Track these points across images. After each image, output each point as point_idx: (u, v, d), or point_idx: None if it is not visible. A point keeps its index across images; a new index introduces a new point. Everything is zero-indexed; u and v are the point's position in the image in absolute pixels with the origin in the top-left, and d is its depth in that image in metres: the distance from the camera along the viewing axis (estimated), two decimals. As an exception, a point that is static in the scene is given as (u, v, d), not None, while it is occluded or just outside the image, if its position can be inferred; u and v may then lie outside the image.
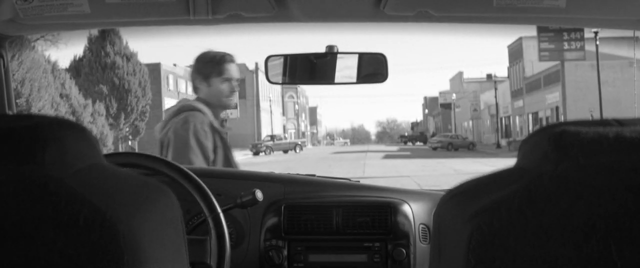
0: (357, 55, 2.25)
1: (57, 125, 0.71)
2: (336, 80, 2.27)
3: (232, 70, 2.84)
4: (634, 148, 0.67)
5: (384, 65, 2.25)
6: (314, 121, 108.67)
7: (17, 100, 20.81)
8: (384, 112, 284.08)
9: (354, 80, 2.27)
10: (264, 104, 64.02)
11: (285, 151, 49.69)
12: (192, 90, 2.90)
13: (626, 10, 1.61)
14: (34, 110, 22.24)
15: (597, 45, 27.86)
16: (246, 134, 59.13)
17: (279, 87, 69.34)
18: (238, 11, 1.61)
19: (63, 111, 25.51)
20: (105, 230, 0.65)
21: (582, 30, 30.68)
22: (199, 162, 2.65)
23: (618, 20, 1.68)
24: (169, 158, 2.70)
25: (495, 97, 50.51)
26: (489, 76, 56.78)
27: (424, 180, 16.18)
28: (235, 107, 2.92)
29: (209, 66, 2.81)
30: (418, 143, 73.37)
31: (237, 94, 2.87)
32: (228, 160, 2.77)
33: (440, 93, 73.84)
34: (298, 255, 2.07)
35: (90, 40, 33.26)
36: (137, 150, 27.16)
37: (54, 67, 26.46)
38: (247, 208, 1.97)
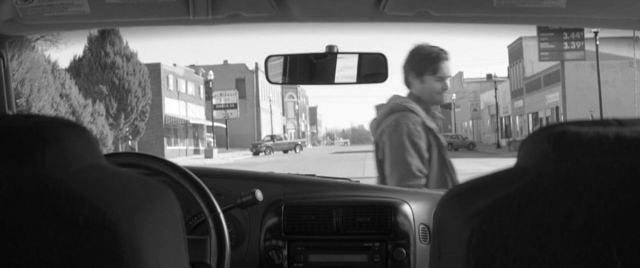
0: (357, 55, 2.25)
1: (57, 125, 0.71)
2: (336, 80, 2.27)
3: (447, 69, 2.81)
4: (634, 148, 0.67)
5: (384, 65, 2.25)
6: (314, 121, 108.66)
7: (17, 100, 20.81)
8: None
9: (354, 80, 2.27)
10: (264, 104, 64.05)
11: (285, 151, 49.68)
12: (404, 84, 2.88)
13: (626, 10, 1.61)
14: (34, 110, 22.23)
15: (597, 45, 27.88)
16: (246, 133, 59.16)
17: (279, 87, 69.35)
18: (238, 11, 1.61)
19: (63, 111, 25.50)
20: (105, 230, 0.65)
21: (582, 30, 30.69)
22: (416, 163, 2.67)
23: (618, 20, 1.68)
24: (387, 161, 2.76)
25: (495, 97, 50.53)
26: (489, 76, 56.78)
27: (424, 180, 16.11)
28: (443, 103, 2.91)
29: (424, 63, 2.79)
30: (418, 143, 73.12)
31: (448, 91, 2.85)
32: (443, 157, 2.76)
33: (440, 93, 73.63)
34: (298, 255, 2.07)
35: (90, 40, 33.26)
36: (137, 150, 27.14)
37: (54, 67, 26.45)
38: (247, 208, 1.97)
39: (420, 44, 2.83)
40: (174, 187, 1.19)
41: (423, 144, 2.72)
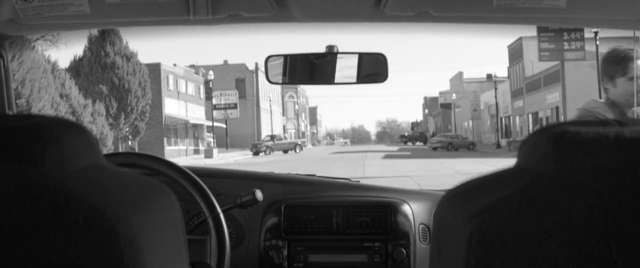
0: (357, 55, 2.25)
1: (57, 125, 0.71)
2: (336, 80, 2.27)
3: (638, 68, 2.73)
4: (634, 148, 0.67)
5: (384, 65, 2.25)
6: (314, 121, 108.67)
7: (17, 100, 20.80)
8: (384, 112, 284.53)
9: (354, 80, 2.27)
10: (264, 104, 64.03)
11: (285, 151, 49.65)
12: (603, 90, 2.85)
13: (626, 10, 1.61)
14: (34, 110, 22.22)
15: (597, 45, 27.84)
16: (246, 133, 59.15)
17: (279, 87, 69.32)
18: (238, 11, 1.61)
19: (63, 111, 25.49)
20: (105, 230, 0.65)
21: (582, 30, 30.65)
22: None
23: (618, 20, 1.68)
24: None
25: (495, 97, 50.53)
26: (489, 76, 56.75)
27: (424, 180, 16.16)
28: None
29: (613, 66, 2.75)
30: (418, 143, 73.34)
31: None
32: None
33: (440, 93, 73.82)
34: (298, 255, 2.08)
35: (90, 40, 33.25)
36: (137, 150, 27.12)
37: (54, 67, 26.44)
38: (247, 208, 1.97)
39: (611, 48, 2.80)
40: (174, 187, 1.19)
41: None
